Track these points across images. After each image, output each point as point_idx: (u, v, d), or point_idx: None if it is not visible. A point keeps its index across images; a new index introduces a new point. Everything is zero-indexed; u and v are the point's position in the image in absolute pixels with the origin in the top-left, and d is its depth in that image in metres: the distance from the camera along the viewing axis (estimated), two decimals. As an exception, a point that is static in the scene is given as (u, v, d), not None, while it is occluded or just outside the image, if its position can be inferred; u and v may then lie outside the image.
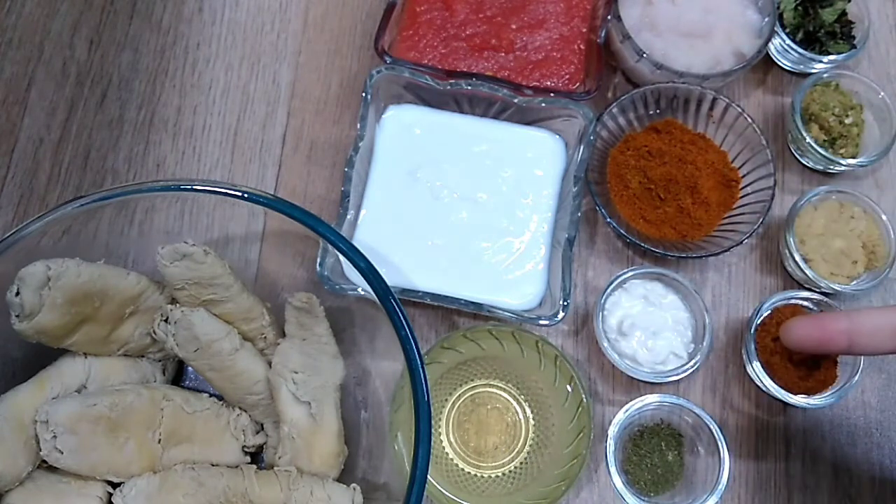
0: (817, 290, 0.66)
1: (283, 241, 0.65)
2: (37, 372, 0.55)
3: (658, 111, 0.71)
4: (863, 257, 0.67)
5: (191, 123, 0.73)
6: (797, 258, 0.66)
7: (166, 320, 0.55)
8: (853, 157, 0.71)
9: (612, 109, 0.69)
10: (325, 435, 0.56)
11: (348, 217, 0.64)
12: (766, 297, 0.65)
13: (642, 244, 0.65)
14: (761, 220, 0.65)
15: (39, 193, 0.70)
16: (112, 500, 0.52)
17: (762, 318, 0.64)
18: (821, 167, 0.72)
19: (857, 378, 0.62)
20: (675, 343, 0.64)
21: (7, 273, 0.51)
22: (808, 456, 0.65)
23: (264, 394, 0.58)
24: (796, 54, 0.72)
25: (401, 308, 0.52)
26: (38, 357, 0.55)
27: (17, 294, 0.50)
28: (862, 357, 0.62)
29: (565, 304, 0.60)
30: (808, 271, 0.65)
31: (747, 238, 0.65)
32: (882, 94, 0.70)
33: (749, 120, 0.68)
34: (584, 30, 0.71)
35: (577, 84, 0.69)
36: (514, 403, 0.64)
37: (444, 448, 0.63)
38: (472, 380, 0.65)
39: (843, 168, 0.70)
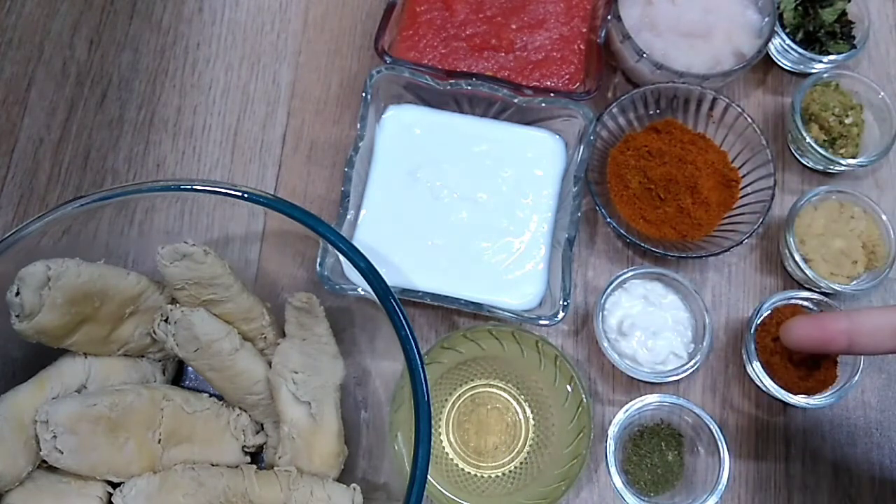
0: (817, 290, 0.66)
1: (283, 241, 0.65)
2: (37, 372, 0.55)
3: (658, 111, 0.71)
4: (863, 257, 0.67)
5: (191, 123, 0.73)
6: (797, 258, 0.66)
7: (166, 320, 0.55)
8: (853, 157, 0.71)
9: (612, 109, 0.69)
10: (325, 435, 0.56)
11: (348, 217, 0.64)
12: (766, 297, 0.65)
13: (642, 244, 0.65)
14: (761, 220, 0.65)
15: (39, 193, 0.70)
16: (112, 500, 0.52)
17: (762, 318, 0.64)
18: (821, 167, 0.72)
19: (857, 378, 0.62)
20: (675, 343, 0.64)
21: (7, 273, 0.51)
22: (808, 456, 0.65)
23: (264, 394, 0.58)
24: (796, 54, 0.72)
25: (401, 308, 0.52)
26: (38, 357, 0.55)
27: (17, 294, 0.50)
28: (862, 357, 0.62)
29: (565, 304, 0.60)
30: (808, 271, 0.65)
31: (747, 238, 0.65)
32: (882, 94, 0.70)
33: (749, 120, 0.68)
34: (584, 30, 0.71)
35: (577, 84, 0.69)
36: (514, 403, 0.64)
37: (444, 448, 0.63)
38: (472, 380, 0.65)
39: (843, 168, 0.70)
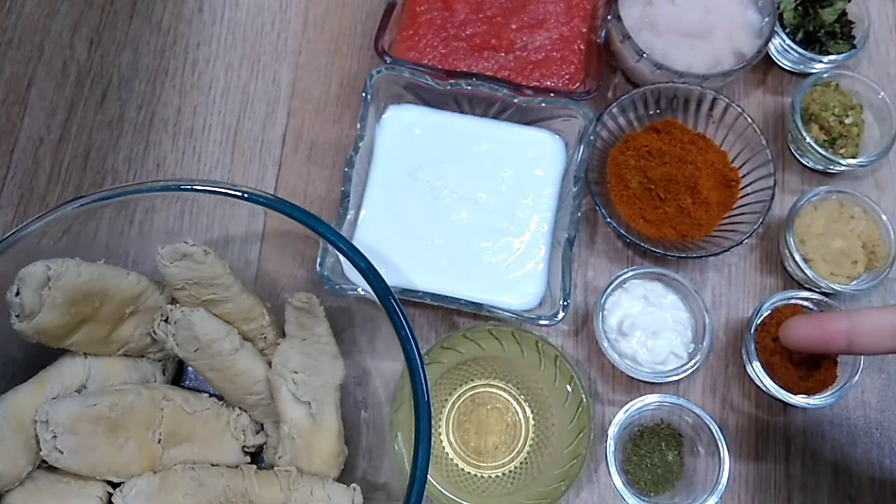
0: (817, 290, 0.66)
1: (283, 241, 0.65)
2: (37, 372, 0.55)
3: (658, 111, 0.71)
4: (863, 257, 0.67)
5: (191, 123, 0.73)
6: (797, 258, 0.66)
7: (166, 320, 0.55)
8: (853, 157, 0.71)
9: (612, 109, 0.69)
10: (325, 435, 0.56)
11: (348, 217, 0.64)
12: (766, 297, 0.65)
13: (642, 244, 0.65)
14: (761, 220, 0.65)
15: (39, 193, 0.70)
16: (112, 500, 0.52)
17: (762, 318, 0.64)
18: (821, 167, 0.72)
19: (857, 378, 0.62)
20: (675, 343, 0.64)
21: (7, 273, 0.51)
22: (808, 456, 0.65)
23: (264, 394, 0.58)
24: (796, 54, 0.72)
25: (401, 308, 0.52)
26: (38, 357, 0.55)
27: (17, 294, 0.50)
28: (862, 357, 0.62)
29: (565, 304, 0.60)
30: (808, 271, 0.65)
31: (747, 238, 0.65)
32: (882, 94, 0.70)
33: (749, 120, 0.68)
34: (584, 30, 0.71)
35: (577, 84, 0.69)
36: (514, 403, 0.64)
37: (444, 448, 0.63)
38: (472, 380, 0.65)
39: (843, 168, 0.70)
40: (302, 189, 0.71)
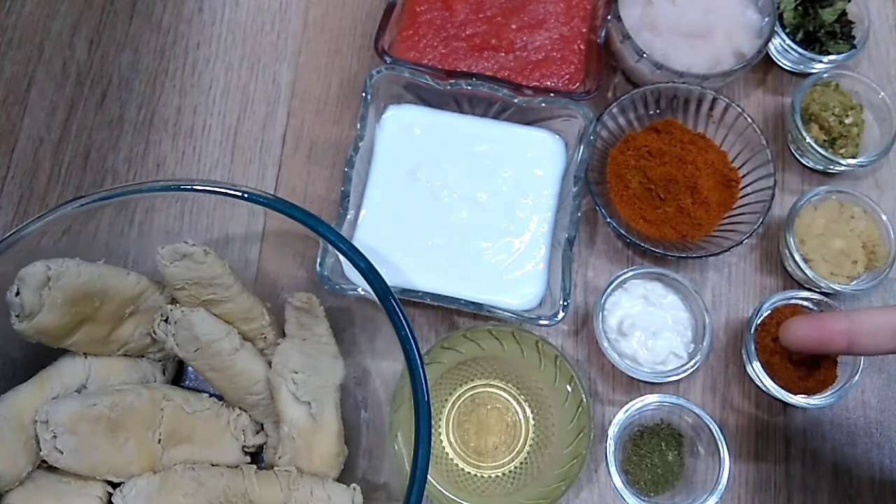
0: (817, 290, 0.66)
1: (283, 241, 0.65)
2: (37, 372, 0.55)
3: (658, 111, 0.71)
4: (863, 257, 0.67)
5: (191, 123, 0.73)
6: (797, 258, 0.66)
7: (166, 320, 0.55)
8: (853, 157, 0.71)
9: (612, 109, 0.69)
10: (325, 435, 0.56)
11: (348, 217, 0.64)
12: (766, 297, 0.65)
13: (642, 244, 0.65)
14: (761, 220, 0.65)
15: (39, 193, 0.70)
16: (112, 500, 0.52)
17: (762, 318, 0.64)
18: (821, 167, 0.72)
19: (857, 378, 0.62)
20: (675, 343, 0.64)
21: (7, 273, 0.51)
22: (808, 456, 0.65)
23: (264, 394, 0.58)
24: (796, 54, 0.72)
25: (401, 308, 0.52)
26: (38, 357, 0.55)
27: (17, 294, 0.50)
28: (862, 357, 0.61)
29: (565, 304, 0.60)
30: (808, 271, 0.65)
31: (747, 238, 0.65)
32: (882, 94, 0.70)
33: (749, 120, 0.68)
34: (584, 30, 0.71)
35: (577, 84, 0.69)
36: (514, 403, 0.64)
37: (444, 448, 0.63)
38: (472, 380, 0.65)
39: (843, 168, 0.70)
40: (302, 189, 0.71)
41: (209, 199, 0.60)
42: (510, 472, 0.63)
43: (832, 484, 0.65)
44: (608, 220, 0.66)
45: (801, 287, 0.68)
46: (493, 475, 0.63)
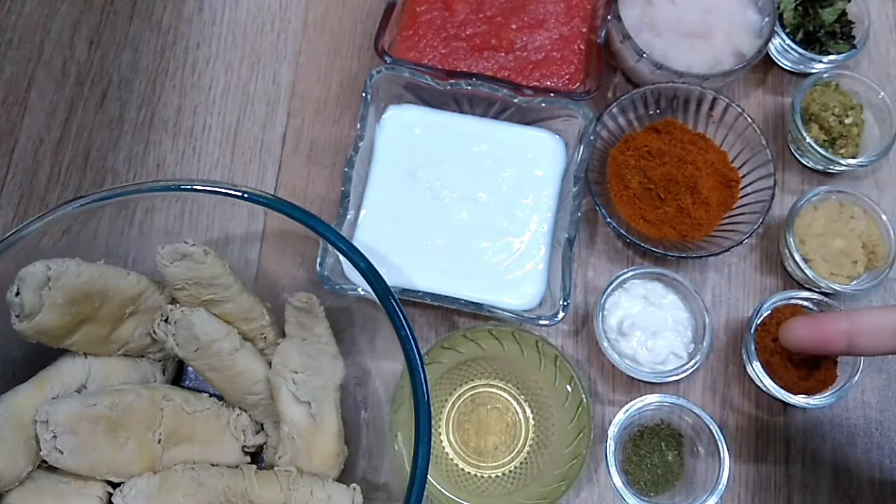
0: (817, 290, 0.66)
1: (283, 241, 0.65)
2: (37, 372, 0.55)
3: (658, 111, 0.71)
4: (863, 257, 0.67)
5: (191, 123, 0.73)
6: (797, 258, 0.66)
7: (166, 320, 0.55)
8: (853, 157, 0.71)
9: (612, 109, 0.69)
10: (325, 435, 0.56)
11: (348, 217, 0.64)
12: (766, 297, 0.65)
13: (642, 244, 0.65)
14: (761, 220, 0.65)
15: (39, 193, 0.70)
16: (112, 500, 0.52)
17: (762, 318, 0.64)
18: (821, 167, 0.72)
19: (857, 378, 0.62)
20: (675, 343, 0.64)
21: (7, 273, 0.51)
22: (808, 456, 0.65)
23: (264, 394, 0.58)
24: (796, 54, 0.72)
25: (401, 308, 0.52)
26: (38, 357, 0.55)
27: (17, 294, 0.50)
28: (862, 357, 0.61)
29: (565, 304, 0.60)
30: (808, 271, 0.65)
31: (747, 238, 0.65)
32: (882, 94, 0.70)
33: (749, 120, 0.68)
34: (584, 30, 0.71)
35: (577, 84, 0.69)
36: (514, 403, 0.64)
37: (444, 448, 0.63)
38: (472, 380, 0.65)
39: (843, 168, 0.70)
40: (302, 189, 0.71)
41: (209, 199, 0.60)
42: (510, 472, 0.63)
43: (832, 484, 0.65)
44: (608, 220, 0.66)
45: (801, 287, 0.68)
46: (493, 475, 0.63)
